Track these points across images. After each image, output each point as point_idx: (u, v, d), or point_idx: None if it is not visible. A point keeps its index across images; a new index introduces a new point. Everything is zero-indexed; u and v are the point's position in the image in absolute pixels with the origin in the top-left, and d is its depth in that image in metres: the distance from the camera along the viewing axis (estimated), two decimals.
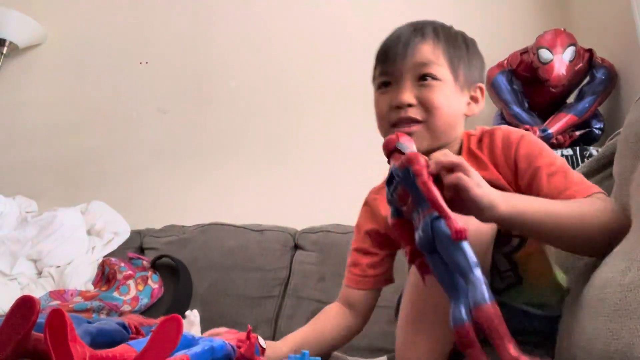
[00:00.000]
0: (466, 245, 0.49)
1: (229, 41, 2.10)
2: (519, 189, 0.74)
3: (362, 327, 0.90)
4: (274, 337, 1.41)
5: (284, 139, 1.95)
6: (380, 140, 0.87)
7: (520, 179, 0.75)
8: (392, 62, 0.79)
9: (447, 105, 0.77)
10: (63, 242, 1.64)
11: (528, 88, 1.56)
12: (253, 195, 1.90)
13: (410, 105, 0.76)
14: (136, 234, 1.76)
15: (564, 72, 1.45)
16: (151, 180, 2.01)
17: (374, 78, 0.84)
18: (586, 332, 0.55)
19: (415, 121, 0.76)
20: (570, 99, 1.56)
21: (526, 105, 1.54)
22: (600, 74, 1.48)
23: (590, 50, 1.50)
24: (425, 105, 0.76)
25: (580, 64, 1.49)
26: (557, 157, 0.75)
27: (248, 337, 0.72)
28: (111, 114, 2.14)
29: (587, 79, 1.52)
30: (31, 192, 1.97)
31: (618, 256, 0.56)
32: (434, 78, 0.77)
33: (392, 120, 0.78)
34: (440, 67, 0.78)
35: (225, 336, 0.77)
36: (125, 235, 1.75)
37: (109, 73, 2.18)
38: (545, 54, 1.46)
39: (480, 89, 0.84)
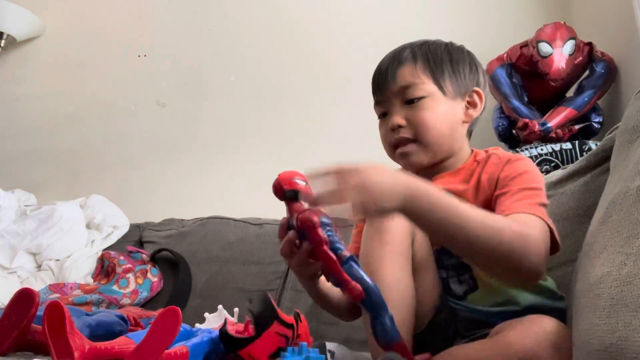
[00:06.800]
0: (361, 306, 0.57)
1: (228, 34, 2.09)
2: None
3: None
4: None
5: (282, 132, 1.95)
6: (378, 133, 0.89)
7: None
8: (381, 93, 0.86)
9: (434, 118, 0.82)
10: (62, 235, 1.65)
11: (527, 82, 1.55)
12: (252, 189, 1.89)
13: (400, 126, 0.82)
14: (135, 228, 1.76)
15: (564, 66, 1.44)
16: (150, 174, 2.01)
17: (375, 108, 0.90)
18: (584, 328, 0.55)
19: (410, 140, 0.83)
20: (570, 93, 1.56)
21: (525, 98, 1.54)
22: (600, 68, 1.48)
23: (590, 44, 1.50)
24: (414, 124, 0.82)
25: (580, 58, 1.48)
26: (533, 181, 0.76)
27: (246, 328, 0.73)
28: (110, 107, 2.13)
29: (587, 72, 1.51)
30: (30, 185, 1.97)
31: (611, 252, 0.55)
32: (419, 98, 0.82)
33: (391, 143, 0.85)
34: (423, 84, 0.82)
35: None
36: (125, 228, 1.75)
37: (107, 66, 2.17)
38: (545, 47, 1.46)
39: (477, 93, 0.86)
